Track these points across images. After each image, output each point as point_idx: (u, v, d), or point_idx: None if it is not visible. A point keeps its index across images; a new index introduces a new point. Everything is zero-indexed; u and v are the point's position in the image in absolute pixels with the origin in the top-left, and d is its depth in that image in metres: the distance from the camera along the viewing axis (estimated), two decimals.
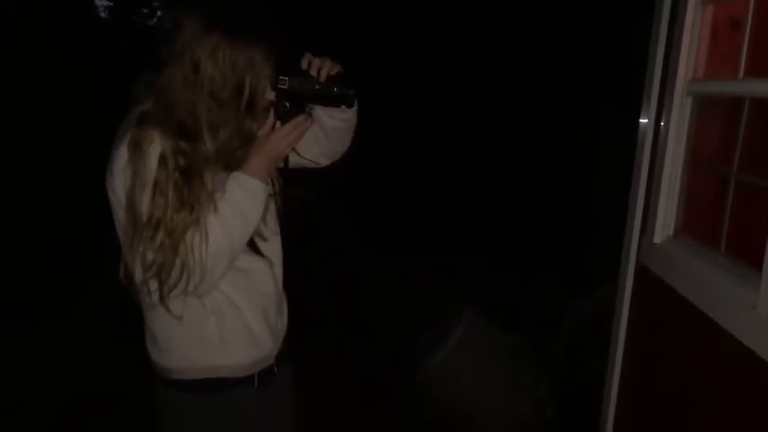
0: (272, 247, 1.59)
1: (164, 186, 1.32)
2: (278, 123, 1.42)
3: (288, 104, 1.41)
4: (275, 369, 1.64)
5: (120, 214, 1.39)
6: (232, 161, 1.43)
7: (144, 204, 1.32)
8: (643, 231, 2.03)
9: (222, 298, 1.48)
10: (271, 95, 1.42)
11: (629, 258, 2.10)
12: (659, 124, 1.98)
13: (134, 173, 1.32)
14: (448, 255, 5.43)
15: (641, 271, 2.03)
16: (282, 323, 1.68)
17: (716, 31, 1.81)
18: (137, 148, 1.32)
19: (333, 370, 3.79)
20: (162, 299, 1.39)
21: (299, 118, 1.42)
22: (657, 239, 1.92)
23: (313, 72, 1.41)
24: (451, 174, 7.07)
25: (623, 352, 2.16)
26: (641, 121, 2.11)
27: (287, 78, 1.40)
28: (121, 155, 1.34)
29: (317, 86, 1.41)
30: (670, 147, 1.89)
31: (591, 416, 2.38)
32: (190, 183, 1.34)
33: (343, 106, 1.45)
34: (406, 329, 3.56)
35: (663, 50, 2.00)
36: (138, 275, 1.37)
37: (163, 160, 1.32)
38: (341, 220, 6.20)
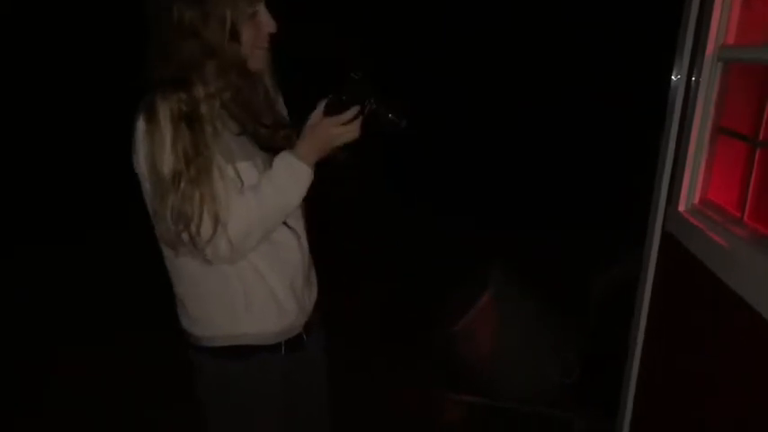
0: (298, 218, 1.62)
1: (176, 139, 1.36)
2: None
3: (346, 96, 1.44)
4: (304, 337, 1.69)
5: (146, 186, 1.44)
6: (239, 109, 1.47)
7: (164, 163, 1.37)
8: (669, 199, 2.02)
9: (249, 267, 1.53)
10: (270, 26, 1.45)
11: (655, 225, 2.09)
12: (689, 90, 1.94)
13: (150, 138, 1.37)
14: (481, 215, 5.44)
15: (666, 238, 2.02)
16: (311, 294, 1.73)
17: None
18: (148, 115, 1.37)
19: (366, 325, 3.90)
20: (198, 252, 1.43)
21: (355, 109, 1.45)
22: (682, 207, 1.91)
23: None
24: (486, 136, 7.01)
25: (647, 320, 2.17)
26: (672, 82, 2.07)
27: (361, 74, 1.43)
28: (138, 128, 1.40)
29: (380, 100, 1.43)
30: (698, 113, 1.86)
31: (615, 382, 2.40)
32: (196, 129, 1.38)
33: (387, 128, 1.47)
34: (437, 287, 3.62)
35: (696, 15, 1.96)
36: (171, 231, 1.41)
37: (171, 116, 1.36)
38: (377, 180, 6.24)
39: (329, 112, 1.46)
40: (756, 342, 1.41)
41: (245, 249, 1.46)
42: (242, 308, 1.55)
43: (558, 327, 3.23)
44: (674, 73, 2.06)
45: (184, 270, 1.54)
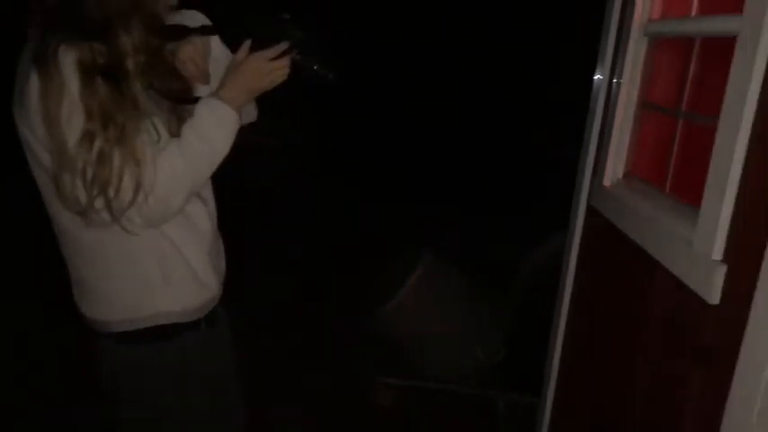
0: (205, 184, 1.52)
1: (89, 95, 1.24)
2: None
3: (274, 35, 1.36)
4: (219, 311, 1.60)
5: (37, 149, 1.30)
6: (152, 71, 1.35)
7: (73, 122, 1.24)
8: (595, 174, 2.04)
9: (164, 239, 1.41)
10: None
11: (580, 201, 2.11)
12: (615, 67, 1.97)
13: (52, 90, 1.22)
14: (409, 199, 5.45)
15: (591, 214, 2.04)
16: (222, 263, 1.64)
17: None
18: (48, 64, 1.22)
19: (289, 310, 3.83)
20: (114, 219, 1.31)
21: (285, 44, 1.36)
22: (607, 182, 1.93)
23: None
24: (414, 121, 7.03)
25: (571, 295, 2.19)
26: (597, 63, 2.10)
27: (289, 17, 1.36)
28: (33, 80, 1.24)
29: (307, 50, 1.37)
30: (624, 89, 1.88)
31: (540, 360, 2.43)
32: (116, 86, 1.26)
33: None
34: (365, 271, 3.59)
35: None
36: (83, 196, 1.28)
37: (81, 67, 1.23)
38: (306, 164, 6.17)
39: (255, 49, 1.37)
40: (675, 306, 1.44)
41: (171, 210, 1.35)
42: (158, 284, 1.43)
43: (486, 307, 3.25)
44: (600, 49, 2.09)
45: (87, 244, 1.40)
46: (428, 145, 6.66)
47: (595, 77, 2.12)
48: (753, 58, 1.19)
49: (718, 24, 1.42)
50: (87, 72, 1.24)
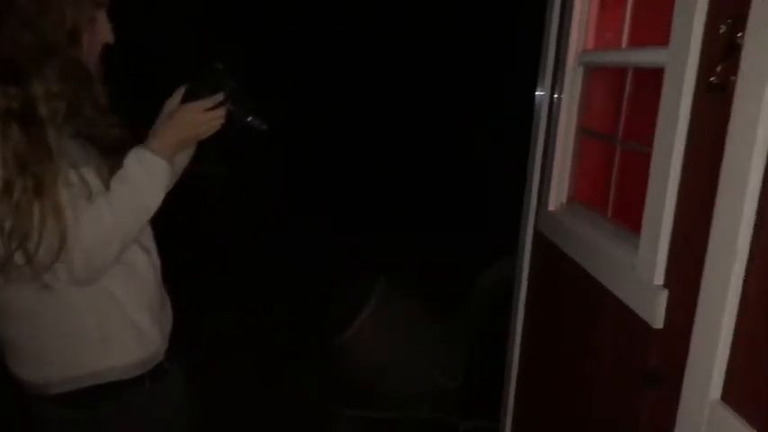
0: (147, 233, 1.46)
1: (2, 140, 1.19)
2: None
3: (208, 85, 1.34)
4: (166, 365, 1.51)
5: None
6: (77, 119, 1.31)
7: None
8: (540, 199, 2.08)
9: (101, 292, 1.35)
10: (108, 36, 1.33)
11: (527, 226, 2.15)
12: (554, 95, 2.02)
13: None
14: (363, 226, 5.45)
15: (538, 238, 2.08)
16: (168, 315, 1.56)
17: (604, 4, 1.85)
18: None
19: (246, 340, 3.77)
20: (36, 275, 1.25)
21: (220, 96, 1.34)
22: (552, 207, 1.97)
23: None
24: (363, 146, 7.05)
25: (524, 319, 2.22)
26: (537, 92, 2.15)
27: (223, 67, 1.34)
28: None
29: (242, 98, 1.35)
30: (563, 117, 1.93)
31: (498, 382, 2.44)
32: (33, 132, 1.21)
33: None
34: (320, 301, 3.57)
35: (557, 22, 2.04)
36: (0, 250, 1.22)
37: None
38: (254, 195, 6.10)
39: (188, 99, 1.35)
40: (623, 330, 1.47)
41: (101, 267, 1.29)
42: (96, 341, 1.36)
43: (443, 332, 3.26)
44: (539, 78, 2.14)
45: (14, 302, 1.33)
46: (378, 171, 6.68)
47: (536, 102, 2.17)
48: (679, 90, 1.24)
49: (647, 57, 1.48)
50: (1, 117, 1.20)
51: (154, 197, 1.34)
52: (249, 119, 1.36)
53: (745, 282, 1.02)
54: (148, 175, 1.32)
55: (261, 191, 6.17)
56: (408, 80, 7.16)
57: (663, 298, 1.25)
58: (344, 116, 7.28)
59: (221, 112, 1.36)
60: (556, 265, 1.91)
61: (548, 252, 1.98)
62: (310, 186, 6.51)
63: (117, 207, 1.29)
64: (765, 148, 0.99)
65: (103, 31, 1.34)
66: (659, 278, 1.28)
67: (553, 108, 2.00)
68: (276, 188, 6.47)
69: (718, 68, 1.13)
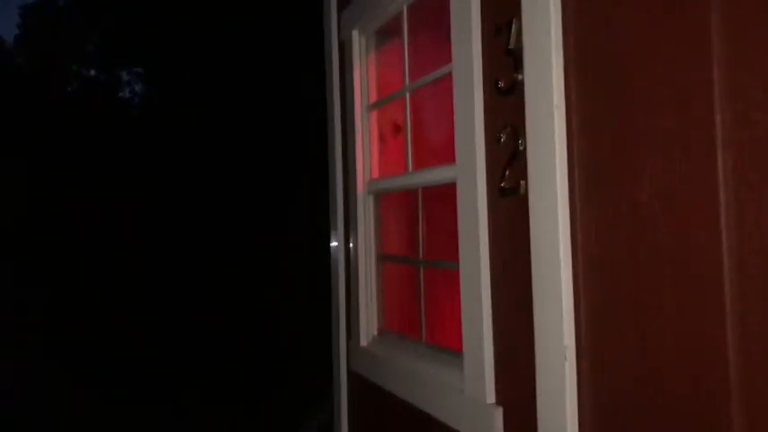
0: None
1: None
2: None
3: None
4: None
5: None
6: None
7: None
8: (350, 337, 1.98)
9: None
10: None
11: (340, 367, 2.02)
12: (348, 234, 1.98)
13: None
14: (154, 398, 4.91)
15: (353, 378, 1.95)
16: None
17: (384, 134, 1.90)
18: None
19: None
20: None
21: None
22: (364, 342, 1.87)
23: None
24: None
25: None
26: (332, 241, 2.11)
27: None
28: None
29: None
30: (362, 250, 1.89)
31: None
32: None
33: None
34: None
35: (341, 159, 2.05)
36: None
37: None
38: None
39: None
40: None
41: None
42: None
43: None
44: (330, 216, 2.11)
45: None
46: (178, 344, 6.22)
47: (332, 244, 2.12)
48: (474, 200, 1.24)
49: (436, 175, 1.50)
50: None
51: None
52: None
53: (579, 381, 0.98)
54: None
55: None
56: (199, 238, 6.98)
57: (499, 416, 1.18)
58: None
59: None
60: (376, 403, 1.79)
61: (364, 390, 1.86)
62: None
63: None
64: (568, 243, 0.99)
65: None
66: (491, 396, 1.21)
67: (350, 247, 1.96)
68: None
69: (506, 174, 1.15)
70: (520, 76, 1.11)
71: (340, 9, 2.03)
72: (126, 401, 4.72)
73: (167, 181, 7.16)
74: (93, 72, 15.41)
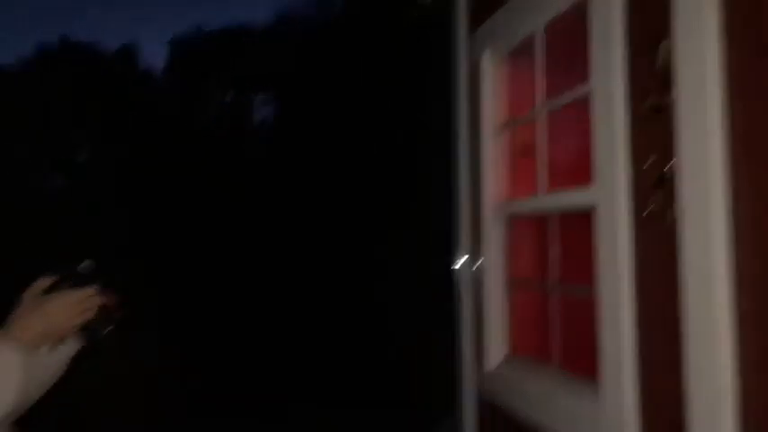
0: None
1: None
2: None
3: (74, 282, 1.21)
4: None
5: None
6: None
7: None
8: (478, 361, 1.95)
9: None
10: None
11: (467, 391, 1.99)
12: (476, 256, 1.96)
13: None
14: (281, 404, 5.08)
15: (481, 401, 1.93)
16: None
17: (514, 156, 1.88)
18: None
19: None
20: None
21: (90, 289, 1.21)
22: (491, 366, 1.84)
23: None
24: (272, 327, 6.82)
25: None
26: (458, 260, 2.10)
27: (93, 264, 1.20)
28: None
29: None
30: (490, 273, 1.86)
31: None
32: None
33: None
34: None
35: (468, 181, 2.03)
36: None
37: None
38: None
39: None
40: None
41: None
42: None
43: None
44: (458, 248, 2.09)
45: None
46: (306, 350, 6.41)
47: (457, 266, 2.10)
48: (616, 226, 1.20)
49: (573, 198, 1.45)
50: None
51: (4, 397, 1.12)
52: (100, 329, 1.23)
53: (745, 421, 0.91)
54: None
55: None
56: (325, 258, 7.18)
57: None
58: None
59: (94, 301, 1.22)
60: (505, 427, 1.75)
61: (493, 414, 1.82)
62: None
63: None
64: (728, 279, 0.93)
65: None
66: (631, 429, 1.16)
67: (478, 267, 1.94)
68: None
69: (652, 200, 1.10)
70: (669, 98, 1.06)
71: (471, 30, 2.03)
72: (241, 415, 4.89)
73: (296, 198, 7.46)
74: (228, 98, 16.38)
